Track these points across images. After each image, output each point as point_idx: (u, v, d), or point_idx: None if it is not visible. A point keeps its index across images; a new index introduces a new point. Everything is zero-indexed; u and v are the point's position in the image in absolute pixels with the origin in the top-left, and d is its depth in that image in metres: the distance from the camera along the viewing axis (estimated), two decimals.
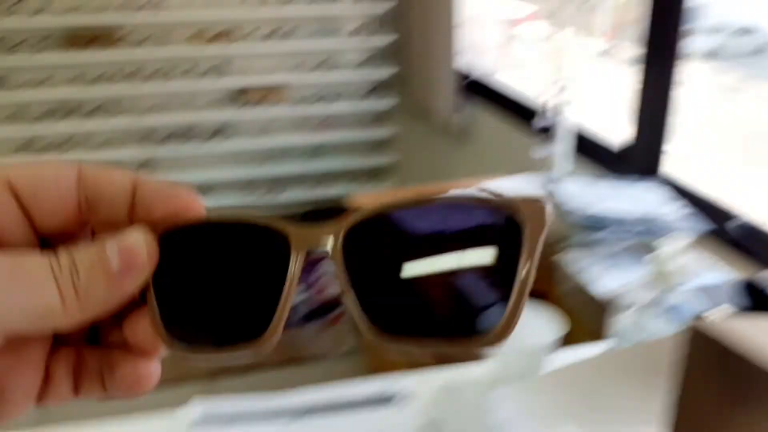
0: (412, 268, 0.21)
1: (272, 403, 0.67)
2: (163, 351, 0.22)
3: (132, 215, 0.21)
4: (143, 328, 0.21)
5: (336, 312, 1.99)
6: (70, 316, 0.19)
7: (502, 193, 0.20)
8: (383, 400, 0.68)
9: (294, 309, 1.82)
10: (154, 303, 0.21)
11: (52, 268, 0.19)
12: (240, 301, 0.22)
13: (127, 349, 0.21)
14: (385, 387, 0.70)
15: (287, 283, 0.21)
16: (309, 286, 1.92)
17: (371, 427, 0.64)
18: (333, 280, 1.92)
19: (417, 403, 0.67)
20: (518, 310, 0.19)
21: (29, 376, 0.21)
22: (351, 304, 0.21)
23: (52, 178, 0.21)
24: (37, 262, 0.19)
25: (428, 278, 0.21)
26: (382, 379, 0.71)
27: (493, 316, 0.20)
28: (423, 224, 0.21)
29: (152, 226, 0.21)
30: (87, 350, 0.22)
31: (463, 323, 0.20)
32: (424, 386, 0.68)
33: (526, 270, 0.20)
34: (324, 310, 1.99)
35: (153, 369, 0.22)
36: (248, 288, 0.22)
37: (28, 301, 0.18)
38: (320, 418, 0.65)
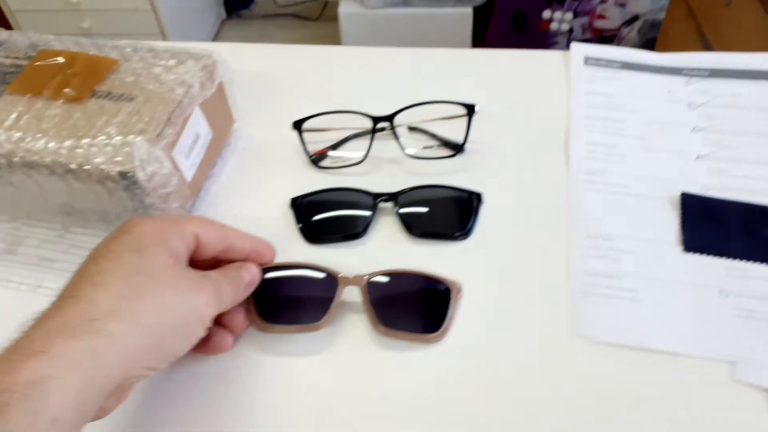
0: (401, 296, 0.42)
1: (670, 59, 0.60)
2: (243, 330, 0.41)
3: (246, 260, 0.40)
4: (238, 315, 0.40)
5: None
6: (231, 302, 0.39)
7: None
8: None
9: (568, 32, 1.87)
10: (253, 301, 0.41)
11: (231, 280, 0.38)
12: (303, 305, 0.41)
13: (221, 326, 0.39)
14: None
15: (336, 297, 0.40)
16: (586, 13, 1.85)
17: None
18: (614, 12, 1.82)
19: None
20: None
21: None
22: (367, 307, 0.40)
23: (215, 237, 0.38)
24: (222, 278, 0.38)
25: (408, 298, 0.42)
26: None
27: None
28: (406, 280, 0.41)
29: (259, 265, 0.40)
30: None
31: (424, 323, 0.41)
32: None
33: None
34: (598, 40, 1.93)
35: (233, 340, 0.40)
36: (308, 299, 0.41)
37: (229, 295, 0.38)
38: (725, 84, 0.57)
